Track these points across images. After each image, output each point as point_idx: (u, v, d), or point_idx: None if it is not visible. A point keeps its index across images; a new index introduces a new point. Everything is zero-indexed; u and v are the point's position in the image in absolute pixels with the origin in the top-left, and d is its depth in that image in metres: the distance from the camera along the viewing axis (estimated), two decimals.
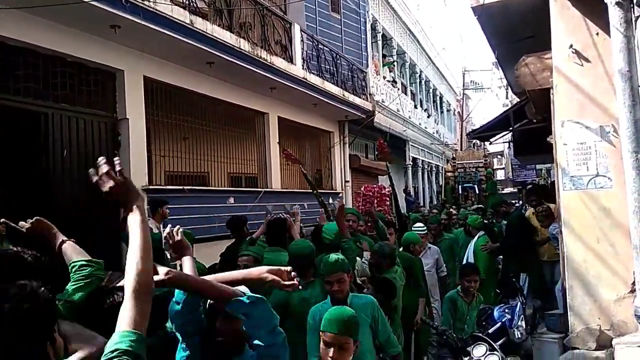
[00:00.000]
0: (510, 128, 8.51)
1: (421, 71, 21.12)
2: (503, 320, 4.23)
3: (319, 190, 7.66)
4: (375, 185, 10.43)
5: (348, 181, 13.15)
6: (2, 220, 3.00)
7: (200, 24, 6.69)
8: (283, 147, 8.59)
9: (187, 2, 6.62)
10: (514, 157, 15.80)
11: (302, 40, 9.89)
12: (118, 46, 6.34)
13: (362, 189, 9.47)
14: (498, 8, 4.87)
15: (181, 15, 6.34)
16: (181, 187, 7.37)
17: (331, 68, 11.27)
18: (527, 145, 8.60)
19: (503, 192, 26.01)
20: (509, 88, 11.83)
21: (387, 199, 9.11)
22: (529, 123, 7.59)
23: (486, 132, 9.91)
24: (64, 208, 5.80)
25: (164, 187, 7.19)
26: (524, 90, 5.83)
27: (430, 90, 23.53)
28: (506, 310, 4.30)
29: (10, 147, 5.49)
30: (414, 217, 7.96)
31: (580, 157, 4.02)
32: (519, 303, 4.44)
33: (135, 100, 6.71)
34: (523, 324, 4.23)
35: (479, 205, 12.13)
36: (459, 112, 31.94)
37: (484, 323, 4.61)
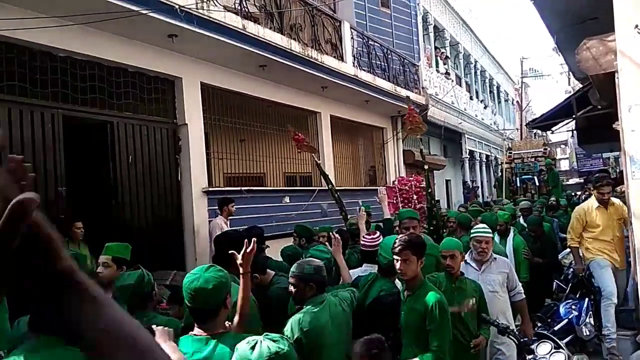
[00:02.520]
0: (574, 116, 8.10)
1: (476, 61, 20.53)
2: (570, 317, 4.05)
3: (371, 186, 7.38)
4: (412, 177, 8.80)
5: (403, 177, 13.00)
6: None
7: (252, 28, 6.85)
8: (293, 131, 7.17)
9: (239, 8, 6.78)
10: (579, 146, 15.00)
11: (352, 38, 9.88)
12: (175, 54, 6.60)
13: (396, 182, 8.09)
14: None
15: (233, 20, 6.52)
16: (239, 189, 7.57)
17: (382, 63, 11.18)
18: (592, 133, 8.17)
19: (568, 182, 24.84)
20: (571, 74, 11.27)
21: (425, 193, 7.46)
22: (594, 110, 7.22)
23: (547, 121, 9.49)
24: (130, 211, 6.13)
25: (223, 189, 7.41)
26: (587, 76, 5.56)
27: (487, 81, 22.82)
28: (573, 307, 4.12)
29: (79, 156, 5.86)
30: (462, 216, 6.15)
31: None
32: (587, 299, 4.24)
33: (194, 106, 6.97)
34: (591, 320, 4.03)
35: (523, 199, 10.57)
36: (517, 101, 30.76)
37: (549, 320, 4.45)
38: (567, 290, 5.42)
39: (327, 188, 6.89)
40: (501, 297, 3.75)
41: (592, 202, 5.39)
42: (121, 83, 6.14)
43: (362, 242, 3.75)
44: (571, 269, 6.15)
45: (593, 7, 5.12)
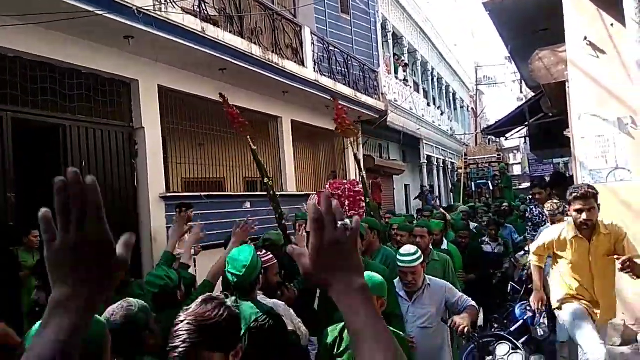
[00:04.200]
0: (526, 123, 8.41)
1: (433, 69, 21.01)
2: (525, 318, 4.17)
3: None
4: (346, 181, 7.03)
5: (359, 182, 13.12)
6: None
7: (212, 31, 6.76)
8: (227, 101, 5.79)
9: (198, 10, 6.68)
10: (531, 152, 15.58)
11: (312, 43, 9.91)
12: (132, 56, 6.43)
13: (328, 185, 6.36)
14: (510, 2, 4.83)
15: (192, 23, 6.41)
16: (198, 194, 7.43)
17: (342, 69, 11.27)
18: (544, 139, 8.50)
19: (520, 187, 25.73)
20: (523, 82, 11.71)
21: (362, 199, 6.41)
22: (545, 117, 7.52)
23: (501, 127, 9.81)
24: None
25: (182, 194, 7.26)
26: (539, 85, 5.78)
27: (443, 88, 23.39)
28: (528, 308, 4.24)
29: (30, 160, 5.61)
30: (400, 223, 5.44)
31: (598, 150, 3.97)
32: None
33: (151, 109, 6.80)
34: (545, 321, 4.17)
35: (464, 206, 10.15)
36: (472, 108, 31.69)
37: (505, 321, 4.57)
38: (522, 292, 5.58)
39: (288, 193, 6.62)
40: (435, 331, 3.22)
41: (565, 230, 3.49)
42: (74, 85, 5.92)
43: None
44: (525, 271, 6.36)
45: (544, 19, 5.33)
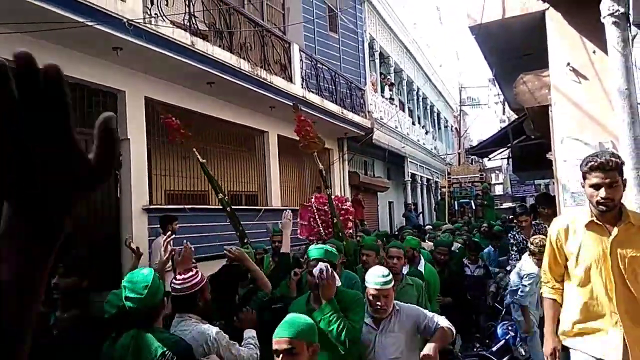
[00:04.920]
0: (509, 144, 8.56)
1: (418, 88, 21.31)
2: (507, 337, 4.20)
3: None
4: (335, 196, 6.01)
5: (348, 198, 13.15)
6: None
7: (201, 45, 6.78)
8: (165, 114, 5.23)
9: (188, 24, 6.70)
10: (513, 173, 15.83)
11: (301, 60, 10.00)
12: (120, 67, 6.41)
13: (313, 200, 5.72)
14: (495, 27, 4.95)
15: (182, 37, 6.43)
16: (182, 207, 7.37)
17: (330, 86, 11.37)
18: (526, 161, 8.65)
19: (501, 207, 26.04)
20: (507, 104, 11.93)
21: (352, 217, 6.06)
22: (527, 139, 7.65)
23: (485, 148, 9.96)
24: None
25: (165, 207, 7.19)
26: (523, 107, 5.90)
27: (428, 107, 23.71)
28: (509, 328, 4.27)
29: None
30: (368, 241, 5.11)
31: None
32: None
33: (137, 121, 6.76)
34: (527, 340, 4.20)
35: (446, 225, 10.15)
36: (456, 128, 32.15)
37: (487, 341, 4.60)
38: (503, 312, 5.63)
39: (271, 208, 6.41)
40: None
41: (581, 215, 2.60)
42: None
43: (172, 286, 2.72)
44: (507, 291, 6.41)
45: (528, 44, 5.46)
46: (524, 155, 8.45)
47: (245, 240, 4.75)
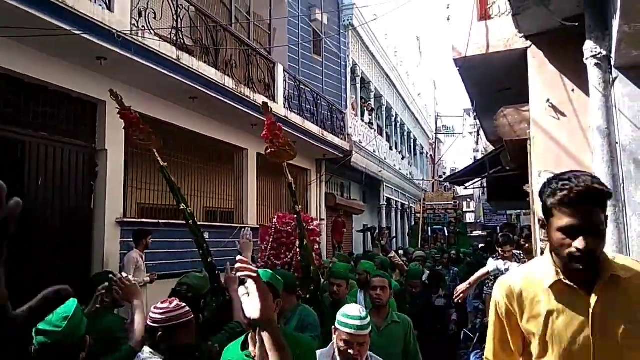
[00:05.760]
0: (485, 174, 8.74)
1: (397, 114, 21.65)
2: None
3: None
4: (304, 215, 4.89)
5: (324, 219, 13.15)
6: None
7: (187, 59, 6.77)
8: (123, 104, 4.11)
9: (174, 39, 6.69)
10: (487, 202, 16.11)
11: (284, 80, 10.06)
12: (101, 77, 6.31)
13: (275, 219, 4.87)
14: (479, 61, 5.09)
15: (168, 50, 6.41)
16: (156, 221, 7.24)
17: (312, 108, 11.46)
18: (501, 191, 8.82)
19: (472, 234, 26.43)
20: (483, 135, 12.20)
21: (318, 238, 5.29)
22: (503, 170, 7.83)
23: (462, 177, 10.14)
24: (37, 236, 5.62)
25: (138, 220, 7.05)
26: (500, 139, 6.05)
27: (405, 133, 24.08)
28: (483, 357, 4.29)
29: None
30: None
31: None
32: None
33: (115, 132, 6.63)
34: None
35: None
36: (431, 155, 32.69)
37: None
38: (475, 340, 5.65)
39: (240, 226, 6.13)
40: None
41: (540, 270, 1.61)
42: (39, 101, 5.75)
43: (150, 316, 2.31)
44: (478, 319, 6.44)
45: (510, 79, 5.62)
46: (499, 185, 8.64)
47: (209, 260, 3.93)
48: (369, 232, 14.52)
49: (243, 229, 4.04)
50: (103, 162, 6.47)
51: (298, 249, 4.30)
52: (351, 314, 2.34)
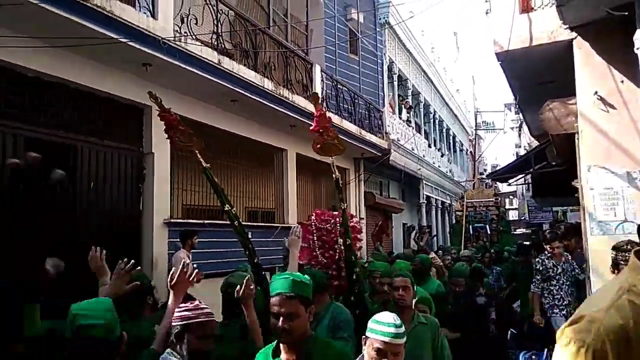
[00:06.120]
0: (530, 170, 8.52)
1: (435, 111, 21.37)
2: None
3: None
4: (337, 212, 4.61)
5: (363, 218, 13.13)
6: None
7: (227, 63, 6.91)
8: (159, 103, 4.18)
9: (215, 43, 6.84)
10: (531, 199, 15.68)
11: (322, 80, 10.12)
12: (147, 83, 6.52)
13: (313, 216, 4.63)
14: (521, 54, 4.99)
15: (209, 55, 6.56)
16: (202, 221, 7.42)
17: (349, 107, 11.47)
18: (546, 187, 8.59)
19: (515, 232, 25.78)
20: (527, 130, 11.89)
21: (360, 235, 4.84)
22: (548, 165, 7.62)
23: (506, 173, 9.92)
24: (88, 237, 5.87)
25: (185, 221, 7.25)
26: (545, 133, 5.90)
27: (444, 130, 23.73)
28: (533, 357, 4.21)
29: (41, 178, 5.61)
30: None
31: (607, 202, 4.02)
32: (546, 349, 4.34)
33: (161, 135, 6.82)
34: None
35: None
36: (471, 151, 32.08)
37: None
38: (524, 339, 5.53)
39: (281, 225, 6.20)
40: None
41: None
42: (90, 107, 6.01)
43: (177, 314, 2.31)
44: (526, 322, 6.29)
45: (554, 72, 5.49)
46: (545, 181, 8.40)
47: (255, 260, 4.01)
48: (409, 232, 14.39)
49: (294, 226, 4.04)
50: (150, 165, 6.69)
51: (342, 247, 4.10)
52: (385, 320, 2.14)
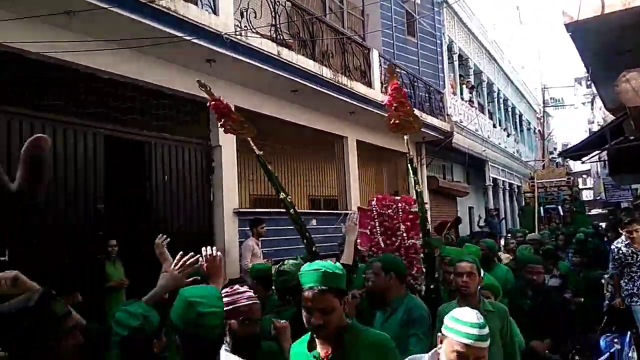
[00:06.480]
0: (606, 146, 8.04)
1: (499, 90, 20.57)
2: (612, 350, 3.97)
3: None
4: (399, 197, 4.46)
5: (426, 203, 12.93)
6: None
7: (286, 54, 7.02)
8: (212, 94, 4.15)
9: (274, 35, 6.97)
10: (608, 176, 14.78)
11: (380, 65, 10.04)
12: (211, 78, 6.75)
13: (374, 201, 4.32)
14: (593, 24, 4.72)
15: (269, 47, 6.70)
16: (268, 210, 7.63)
17: (408, 90, 11.29)
18: (625, 164, 8.09)
19: (590, 213, 24.45)
20: (601, 104, 11.21)
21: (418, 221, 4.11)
22: (626, 140, 7.17)
23: (579, 150, 9.43)
24: (164, 229, 6.21)
25: (252, 210, 7.50)
26: (622, 106, 5.56)
27: (509, 109, 22.81)
28: (615, 340, 4.03)
29: (117, 175, 6.01)
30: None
31: None
32: (629, 332, 4.15)
33: None
34: (635, 355, 3.95)
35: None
36: (539, 130, 30.62)
37: (588, 353, 4.37)
38: (604, 323, 5.30)
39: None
40: None
41: None
42: (159, 105, 6.32)
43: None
44: (606, 301, 6.01)
45: (626, 41, 5.16)
46: (622, 157, 7.90)
47: (313, 248, 3.93)
48: (457, 223, 13.48)
49: (351, 213, 3.92)
50: (218, 158, 6.96)
51: (404, 235, 3.91)
52: (466, 319, 1.86)
